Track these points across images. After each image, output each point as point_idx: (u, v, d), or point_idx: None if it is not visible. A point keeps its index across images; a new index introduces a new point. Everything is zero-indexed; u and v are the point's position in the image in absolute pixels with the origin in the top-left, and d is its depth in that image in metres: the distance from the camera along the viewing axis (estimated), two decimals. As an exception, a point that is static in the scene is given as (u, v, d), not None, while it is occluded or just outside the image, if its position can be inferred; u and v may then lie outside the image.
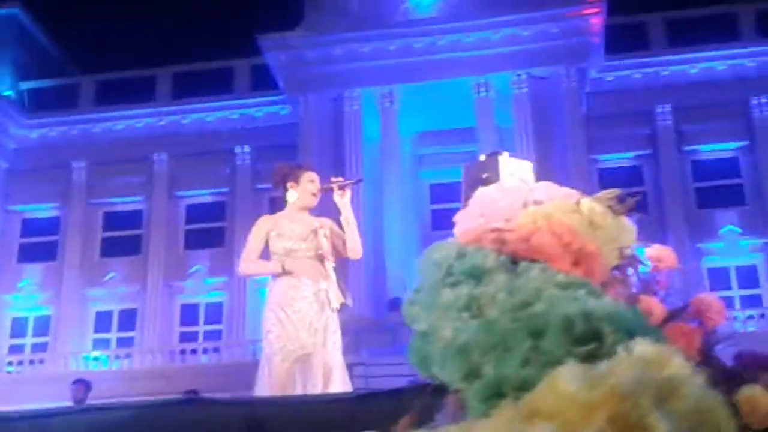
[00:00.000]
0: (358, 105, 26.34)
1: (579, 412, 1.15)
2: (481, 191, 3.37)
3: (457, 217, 3.24)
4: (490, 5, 25.79)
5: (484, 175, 3.90)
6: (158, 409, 3.36)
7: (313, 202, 5.92)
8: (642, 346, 1.32)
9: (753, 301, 24.55)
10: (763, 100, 25.70)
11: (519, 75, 25.58)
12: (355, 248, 5.89)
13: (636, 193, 2.83)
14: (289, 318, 5.55)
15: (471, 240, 2.39)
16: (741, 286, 24.98)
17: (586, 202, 2.76)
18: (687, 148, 26.12)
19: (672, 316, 3.48)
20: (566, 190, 3.05)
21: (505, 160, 3.98)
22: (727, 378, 3.37)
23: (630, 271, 2.87)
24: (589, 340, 1.39)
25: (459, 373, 1.48)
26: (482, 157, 4.16)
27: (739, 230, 25.07)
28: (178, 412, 3.45)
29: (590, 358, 1.32)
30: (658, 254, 3.75)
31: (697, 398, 1.26)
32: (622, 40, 26.14)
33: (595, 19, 25.11)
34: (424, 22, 26.16)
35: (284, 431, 3.04)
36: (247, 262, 5.90)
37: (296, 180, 5.89)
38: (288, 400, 3.59)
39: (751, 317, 22.94)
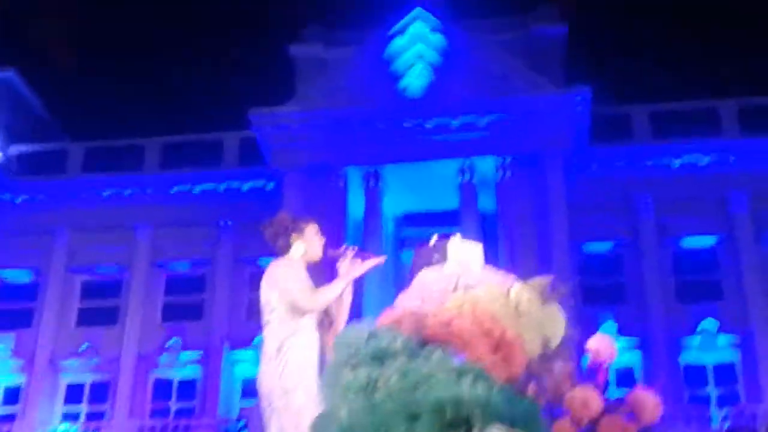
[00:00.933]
0: (343, 183, 26.49)
1: None
2: (421, 274, 3.38)
3: (398, 299, 3.24)
4: (479, 90, 26.21)
5: (434, 258, 3.92)
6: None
7: (320, 256, 5.51)
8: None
9: (730, 399, 24.33)
10: (743, 196, 25.98)
11: (504, 159, 25.84)
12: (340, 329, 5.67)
13: (566, 282, 2.84)
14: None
15: (391, 321, 2.39)
16: (717, 384, 24.81)
17: (516, 289, 2.77)
18: (667, 239, 26.28)
19: (609, 409, 3.46)
20: (501, 274, 3.06)
21: (454, 243, 4.00)
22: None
23: (558, 360, 2.86)
24: (458, 426, 1.37)
25: (346, 454, 1.47)
26: (433, 240, 4.18)
27: (717, 325, 25.02)
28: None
29: (460, 444, 1.31)
30: (598, 345, 3.74)
31: None
32: (607, 129, 26.55)
33: (581, 108, 25.52)
34: (412, 103, 26.53)
35: None
36: (315, 294, 5.24)
37: (301, 232, 5.54)
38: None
39: (725, 418, 22.64)
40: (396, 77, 27.32)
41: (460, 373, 1.58)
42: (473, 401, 1.41)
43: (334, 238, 26.24)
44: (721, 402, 24.08)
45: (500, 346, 2.26)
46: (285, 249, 5.61)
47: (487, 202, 25.67)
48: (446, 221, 25.53)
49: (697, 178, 26.23)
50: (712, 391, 24.70)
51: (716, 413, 23.00)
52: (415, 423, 1.41)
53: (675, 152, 26.56)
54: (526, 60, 26.83)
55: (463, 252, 3.66)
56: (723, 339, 24.93)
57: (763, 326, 24.57)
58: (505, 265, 22.98)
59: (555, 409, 3.05)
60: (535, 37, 27.72)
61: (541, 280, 2.71)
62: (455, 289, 2.62)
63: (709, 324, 25.01)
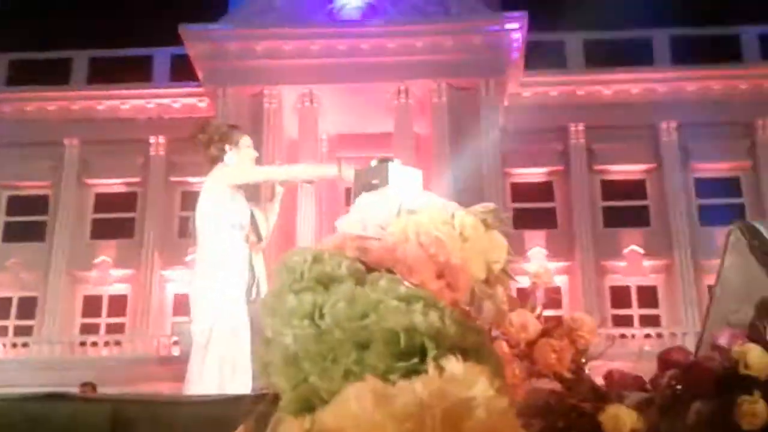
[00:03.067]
0: (278, 103, 26.16)
1: (358, 430, 1.12)
2: (363, 197, 3.35)
3: (338, 222, 3.20)
4: (416, 13, 25.98)
5: (374, 181, 3.88)
6: (17, 403, 3.23)
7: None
8: (453, 364, 1.30)
9: (651, 321, 25.31)
10: (672, 125, 26.49)
11: (439, 84, 25.77)
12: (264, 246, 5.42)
13: (508, 209, 2.85)
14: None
15: (334, 246, 2.35)
16: (641, 306, 25.74)
17: (459, 215, 2.75)
18: (597, 167, 26.73)
19: (545, 333, 3.52)
20: (444, 201, 3.04)
21: (395, 167, 3.96)
22: (595, 395, 3.42)
23: (499, 286, 2.88)
24: (412, 355, 1.37)
25: (290, 382, 1.44)
26: (373, 163, 4.13)
27: (642, 251, 25.76)
28: (41, 407, 3.31)
29: (412, 374, 1.30)
30: (537, 270, 3.79)
31: (490, 422, 1.24)
32: (542, 57, 26.59)
33: (516, 34, 25.49)
34: (348, 24, 26.17)
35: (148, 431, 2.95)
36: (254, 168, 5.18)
37: (236, 144, 5.30)
38: (154, 399, 3.50)
39: (648, 336, 23.59)
40: (332, -3, 26.84)
41: (410, 300, 1.56)
42: (426, 329, 1.40)
43: (269, 158, 26.15)
44: (644, 323, 25.05)
45: (445, 271, 2.26)
46: (216, 159, 5.36)
47: (421, 125, 25.66)
48: (381, 143, 25.48)
49: (628, 106, 26.57)
50: (635, 312, 25.59)
51: (638, 333, 23.90)
52: (366, 351, 1.39)
53: (607, 81, 26.81)
54: (464, -17, 26.58)
55: (404, 176, 3.62)
56: (647, 263, 25.72)
57: (684, 253, 25.36)
58: (439, 189, 23.14)
59: (493, 334, 3.09)
60: (473, -40, 27.41)
61: (484, 207, 2.70)
62: (398, 214, 2.59)
63: (634, 249, 25.77)
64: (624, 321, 25.24)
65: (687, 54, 26.75)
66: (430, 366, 1.31)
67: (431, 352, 1.38)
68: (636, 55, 27.01)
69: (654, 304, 25.81)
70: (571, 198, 26.40)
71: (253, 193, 5.71)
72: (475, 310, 2.52)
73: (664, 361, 3.26)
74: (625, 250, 25.80)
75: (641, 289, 25.89)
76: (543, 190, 26.97)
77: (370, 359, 1.39)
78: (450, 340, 1.43)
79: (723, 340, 3.27)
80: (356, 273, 1.80)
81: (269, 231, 5.52)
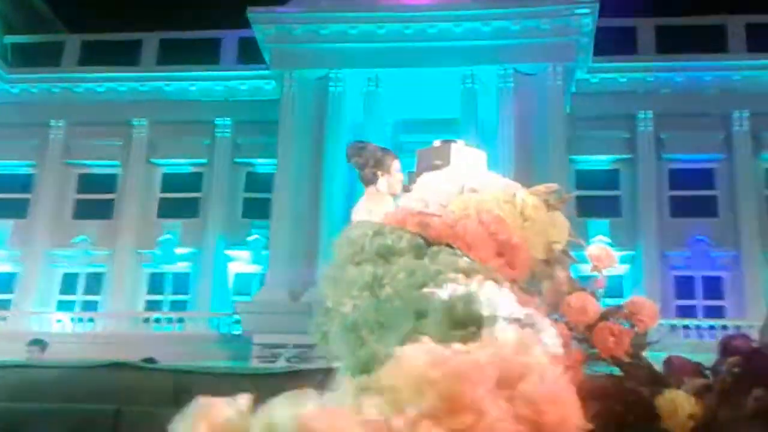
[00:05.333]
0: (343, 86, 26.23)
1: (413, 388, 1.14)
2: (425, 176, 3.37)
3: (401, 201, 3.23)
4: (485, -2, 25.75)
5: (437, 162, 3.90)
6: (86, 370, 3.33)
7: (398, 192, 5.52)
8: (510, 332, 1.32)
9: (716, 312, 24.91)
10: (745, 115, 25.88)
11: (506, 69, 25.55)
12: None
13: (571, 192, 2.84)
14: None
15: (396, 221, 2.38)
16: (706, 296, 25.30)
17: (522, 194, 2.76)
18: (666, 156, 26.27)
19: (605, 315, 3.50)
20: (506, 180, 3.04)
21: (458, 148, 3.98)
22: (653, 380, 3.40)
23: (559, 267, 2.88)
24: (469, 324, 1.38)
25: (349, 348, 1.47)
26: (436, 144, 4.16)
27: (709, 241, 25.29)
28: (108, 375, 3.42)
29: (468, 341, 1.31)
30: (598, 254, 3.76)
31: (544, 387, 1.25)
32: (611, 43, 26.17)
33: (586, 19, 25.12)
34: (415, 8, 26.07)
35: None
36: None
37: (388, 169, 5.56)
38: (212, 371, 3.58)
39: (712, 327, 23.18)
40: (401, -20, 26.76)
41: (469, 273, 1.58)
42: (484, 300, 1.41)
43: (335, 142, 26.22)
44: (708, 314, 24.63)
45: (505, 249, 2.26)
46: (369, 182, 5.63)
47: (487, 111, 25.49)
48: (446, 129, 25.32)
49: (700, 95, 26.02)
50: (700, 303, 25.16)
51: (703, 324, 23.52)
52: (424, 320, 1.42)
53: (678, 68, 26.28)
54: (533, -33, 26.25)
55: (467, 157, 3.63)
56: (714, 255, 25.24)
57: (752, 245, 24.84)
58: (504, 174, 22.97)
59: (552, 315, 3.09)
60: (544, -56, 27.07)
61: (547, 187, 2.70)
62: (460, 192, 2.61)
63: (701, 240, 25.31)
64: (688, 312, 24.86)
65: (763, 42, 26.05)
66: (486, 332, 1.32)
67: (487, 321, 1.39)
68: (709, 43, 26.39)
69: (719, 295, 25.35)
70: (638, 187, 26.01)
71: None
72: (535, 290, 2.53)
73: (726, 347, 3.21)
74: (692, 241, 25.34)
75: (707, 280, 25.44)
76: (608, 178, 26.61)
77: (428, 327, 1.41)
78: (506, 311, 1.44)
79: (788, 330, 3.22)
80: (416, 247, 1.82)
81: None
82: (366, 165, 5.61)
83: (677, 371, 3.25)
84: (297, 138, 25.73)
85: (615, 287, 23.92)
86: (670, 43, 26.51)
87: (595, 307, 3.55)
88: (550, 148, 24.68)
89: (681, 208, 25.86)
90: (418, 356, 1.20)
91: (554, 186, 2.71)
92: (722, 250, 25.20)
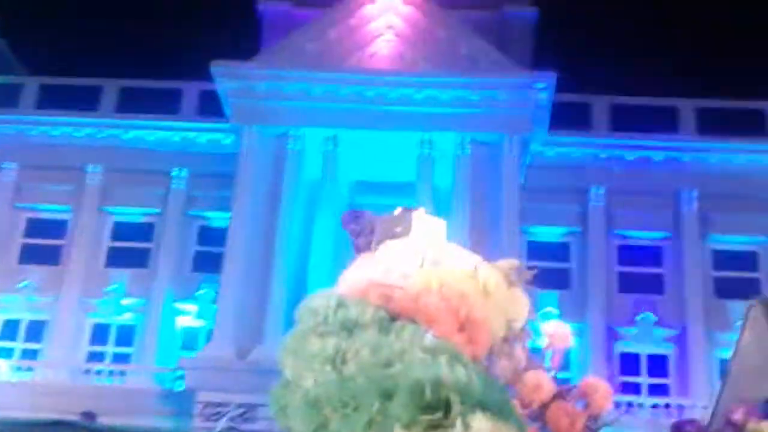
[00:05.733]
0: (302, 144, 26.33)
1: None
2: (387, 245, 3.34)
3: (359, 269, 3.20)
4: (444, 66, 26.17)
5: (397, 229, 3.88)
6: (25, 428, 3.21)
7: None
8: (479, 422, 1.29)
9: (661, 390, 25.08)
10: (693, 194, 26.46)
11: (463, 136, 25.88)
12: None
13: (532, 267, 2.83)
14: None
15: (358, 292, 2.35)
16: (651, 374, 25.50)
17: (484, 269, 2.75)
18: (616, 231, 26.67)
19: (559, 394, 3.48)
20: (467, 253, 3.04)
21: (419, 216, 3.96)
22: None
23: (518, 344, 2.86)
24: (437, 409, 1.35)
25: (308, 426, 1.43)
26: (397, 211, 4.14)
27: (655, 318, 25.59)
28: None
29: (436, 428, 1.28)
30: (555, 331, 3.76)
31: None
32: (567, 117, 26.72)
33: (543, 93, 25.63)
34: (377, 72, 26.40)
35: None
36: None
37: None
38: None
39: (656, 405, 23.34)
40: (363, 44, 27.16)
41: (436, 352, 1.55)
42: (453, 384, 1.38)
43: (291, 199, 26.21)
44: (652, 392, 24.78)
45: (466, 325, 2.25)
46: (362, 250, 5.66)
47: (443, 177, 25.73)
48: (401, 192, 25.52)
49: (651, 173, 26.59)
50: (645, 380, 25.35)
51: (647, 402, 23.66)
52: (390, 401, 1.38)
53: (630, 146, 26.87)
54: (494, 40, 26.84)
55: (429, 226, 3.62)
56: (659, 332, 25.50)
57: (697, 324, 25.15)
58: (457, 242, 23.10)
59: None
60: (505, 18, 27.76)
61: (509, 263, 2.69)
62: (422, 264, 2.59)
63: (647, 316, 25.59)
64: (633, 389, 24.99)
65: (712, 125, 26.82)
66: (457, 422, 1.29)
67: (456, 407, 1.36)
68: (660, 123, 27.08)
69: (664, 373, 25.54)
70: (587, 260, 26.31)
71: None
72: (491, 367, 2.50)
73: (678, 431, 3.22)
74: (638, 317, 25.61)
75: (652, 357, 25.65)
76: (559, 250, 26.89)
77: (394, 409, 1.37)
78: (475, 396, 1.41)
79: (737, 416, 3.23)
80: (380, 320, 1.79)
81: None
82: (362, 233, 5.68)
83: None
84: (253, 193, 25.67)
85: (563, 360, 23.96)
86: (624, 121, 27.16)
87: (549, 385, 3.52)
88: (503, 217, 24.94)
89: (629, 283, 26.19)
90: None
91: (515, 262, 2.71)
92: (668, 327, 25.49)
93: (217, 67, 26.38)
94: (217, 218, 27.18)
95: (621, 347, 25.64)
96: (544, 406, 3.34)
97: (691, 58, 36.27)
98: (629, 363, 25.57)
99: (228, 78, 26.47)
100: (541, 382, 3.29)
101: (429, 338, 1.70)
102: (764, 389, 3.75)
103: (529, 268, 3.31)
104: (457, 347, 1.87)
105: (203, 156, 27.94)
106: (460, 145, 25.90)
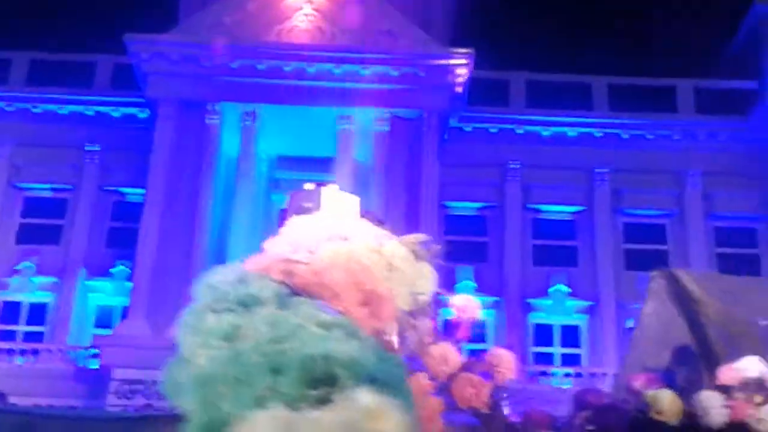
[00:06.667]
0: (219, 119, 25.97)
1: None
2: (294, 220, 3.34)
3: (266, 243, 3.19)
4: (364, 42, 26.09)
5: (307, 205, 3.87)
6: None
7: None
8: (365, 397, 1.30)
9: (574, 360, 25.76)
10: (605, 170, 27.09)
11: (383, 113, 25.91)
12: None
13: (437, 241, 2.87)
14: None
15: (260, 268, 2.35)
16: (564, 344, 26.15)
17: (390, 245, 2.77)
18: (531, 205, 27.15)
19: (466, 366, 3.55)
20: (376, 229, 3.05)
21: (330, 191, 3.96)
22: (507, 431, 3.46)
23: (424, 317, 2.90)
24: (325, 384, 1.36)
25: (200, 404, 1.41)
26: (308, 186, 4.13)
27: (569, 290, 26.20)
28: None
29: (324, 402, 1.29)
30: (464, 304, 3.82)
31: None
32: (485, 94, 26.98)
33: (462, 69, 25.80)
34: (296, 46, 26.17)
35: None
36: None
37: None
38: (64, 413, 3.41)
39: (568, 375, 23.99)
40: (282, 18, 26.86)
41: (331, 327, 1.55)
42: (343, 358, 1.39)
43: (208, 174, 25.85)
44: (566, 362, 25.45)
45: (370, 299, 2.26)
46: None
47: (363, 152, 25.73)
48: (321, 167, 25.43)
49: (565, 148, 27.09)
50: (558, 351, 25.97)
51: (558, 372, 24.32)
52: (279, 376, 1.38)
53: (546, 122, 27.31)
54: (414, 17, 26.86)
55: (340, 202, 3.63)
56: (572, 303, 26.14)
57: (608, 295, 25.85)
58: (375, 216, 23.16)
59: (413, 364, 3.10)
60: (426, -6, 27.76)
61: (415, 237, 2.72)
62: (329, 239, 2.60)
63: (560, 288, 26.21)
64: (547, 359, 25.63)
65: (625, 101, 27.45)
66: (341, 396, 1.30)
67: (344, 382, 1.36)
68: (575, 100, 27.57)
69: (576, 343, 26.22)
70: (504, 234, 26.72)
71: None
72: (399, 341, 2.53)
73: (579, 401, 3.31)
74: (551, 289, 26.20)
75: (565, 329, 26.30)
76: (477, 225, 27.24)
77: (283, 385, 1.37)
78: (366, 371, 1.42)
79: (638, 384, 3.34)
80: (280, 296, 1.79)
81: None
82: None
83: (533, 424, 3.32)
84: (169, 168, 25.25)
85: (478, 333, 24.38)
86: (540, 98, 27.55)
87: (456, 357, 3.58)
88: (422, 192, 25.12)
89: (543, 256, 26.71)
90: (268, 424, 1.16)
91: (423, 236, 2.73)
92: (580, 299, 26.13)
93: (131, 40, 25.78)
94: (132, 194, 26.66)
95: (535, 319, 26.21)
96: (452, 377, 3.39)
97: (606, 35, 36.95)
98: (543, 334, 26.17)
99: (143, 51, 25.89)
100: (447, 355, 3.35)
101: (326, 313, 1.70)
102: (664, 358, 3.88)
103: (438, 243, 3.36)
104: (356, 322, 1.88)
105: (118, 130, 27.32)
106: (380, 121, 25.92)
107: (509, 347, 4.23)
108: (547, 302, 26.19)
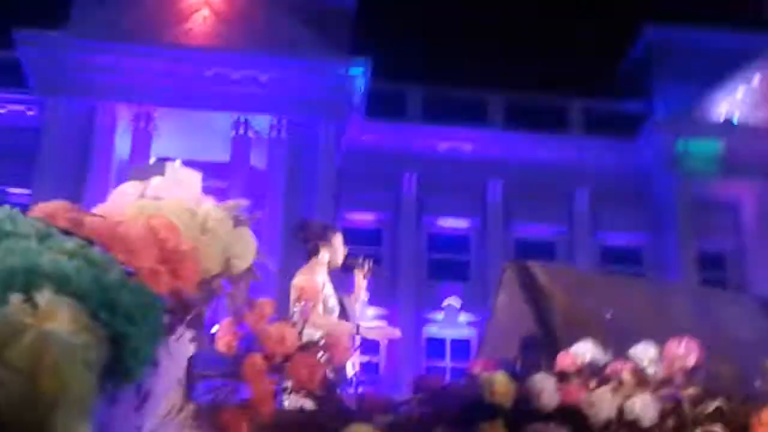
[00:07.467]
0: (112, 120, 25.32)
1: None
2: (120, 187, 3.16)
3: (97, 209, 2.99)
4: (263, 47, 25.86)
5: (144, 176, 3.72)
6: None
7: (340, 264, 6.50)
8: (41, 297, 1.20)
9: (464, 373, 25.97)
10: (499, 184, 27.50)
11: (279, 120, 25.71)
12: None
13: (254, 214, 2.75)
14: None
15: (43, 213, 2.20)
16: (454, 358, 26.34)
17: (207, 206, 2.64)
18: (426, 218, 27.32)
19: (303, 348, 3.43)
20: (199, 194, 2.91)
21: (172, 167, 3.81)
22: (342, 415, 3.35)
23: (242, 283, 2.77)
24: (23, 293, 1.24)
25: None
26: (151, 161, 3.99)
27: (460, 303, 26.45)
28: None
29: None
30: (304, 284, 3.73)
31: (36, 352, 1.13)
32: (383, 105, 27.08)
33: (360, 79, 25.85)
34: (192, 49, 25.75)
35: None
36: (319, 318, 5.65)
37: (329, 240, 6.32)
38: None
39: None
40: (179, 20, 26.41)
41: (72, 255, 1.42)
42: (51, 272, 1.26)
43: (99, 176, 25.04)
44: (455, 375, 25.59)
45: (171, 257, 2.11)
46: (313, 252, 6.27)
47: (260, 158, 25.47)
48: (216, 173, 24.95)
49: (459, 163, 27.38)
50: (448, 365, 26.19)
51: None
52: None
53: (442, 135, 27.57)
54: (313, 26, 26.76)
55: (178, 176, 3.46)
56: (464, 317, 26.37)
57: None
58: (270, 226, 22.95)
59: (250, 345, 2.99)
60: (325, 4, 27.70)
61: (236, 202, 2.59)
62: (140, 197, 2.44)
63: (453, 301, 26.42)
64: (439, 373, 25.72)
65: (519, 118, 27.98)
66: (13, 297, 1.18)
67: (43, 295, 1.24)
68: (471, 114, 27.93)
69: (467, 357, 26.41)
70: (399, 247, 26.80)
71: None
72: (204, 300, 2.40)
73: (418, 385, 3.24)
74: (444, 303, 26.38)
75: (455, 342, 26.49)
76: (372, 236, 27.23)
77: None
78: (80, 289, 1.30)
79: (476, 369, 3.30)
80: (42, 234, 1.63)
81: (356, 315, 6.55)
82: (307, 240, 6.30)
83: (368, 407, 3.23)
84: (56, 170, 24.44)
85: (372, 346, 24.33)
86: (437, 111, 27.79)
87: (293, 337, 3.46)
88: (318, 201, 24.99)
89: (437, 270, 26.89)
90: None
91: (244, 202, 2.61)
92: (471, 313, 26.37)
93: (20, 34, 24.91)
94: (16, 195, 25.67)
95: (428, 333, 26.33)
96: (288, 358, 3.27)
97: (504, 51, 37.71)
98: (436, 348, 26.29)
99: (32, 46, 25.06)
100: (285, 335, 3.22)
101: (74, 243, 1.56)
102: (514, 349, 3.86)
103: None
104: (149, 277, 1.77)
105: (3, 129, 26.32)
106: (276, 128, 25.71)
107: (403, 359, 4.15)
108: (439, 316, 26.33)
